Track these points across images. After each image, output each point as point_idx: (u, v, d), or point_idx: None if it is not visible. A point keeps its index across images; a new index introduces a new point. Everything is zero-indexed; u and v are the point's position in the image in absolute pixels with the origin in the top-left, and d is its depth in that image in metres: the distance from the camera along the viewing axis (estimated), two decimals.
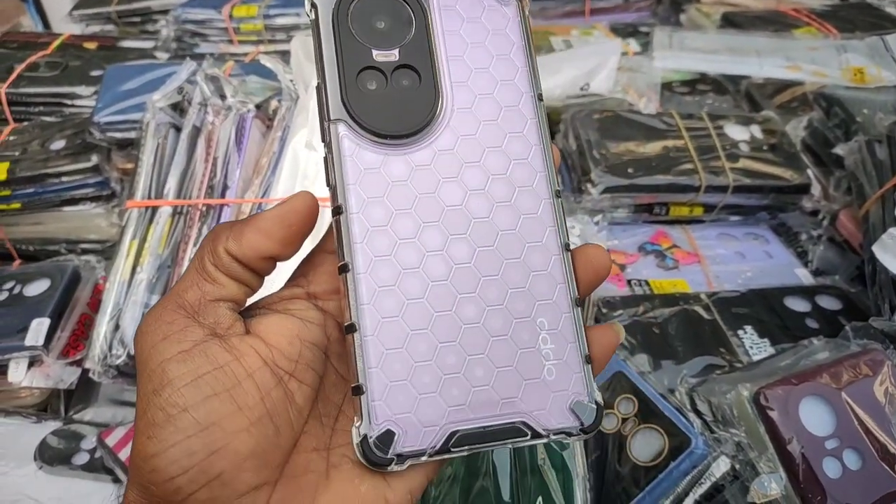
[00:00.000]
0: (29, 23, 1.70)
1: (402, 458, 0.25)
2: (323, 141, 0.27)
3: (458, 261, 0.27)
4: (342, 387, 0.29)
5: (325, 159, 0.27)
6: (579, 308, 0.28)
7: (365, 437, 0.25)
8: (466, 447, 0.26)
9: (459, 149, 0.28)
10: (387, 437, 0.25)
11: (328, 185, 0.27)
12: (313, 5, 0.28)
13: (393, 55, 0.28)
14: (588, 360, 0.28)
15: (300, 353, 0.28)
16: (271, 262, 0.29)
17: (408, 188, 0.27)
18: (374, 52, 0.28)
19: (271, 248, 0.28)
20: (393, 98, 0.28)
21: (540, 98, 0.30)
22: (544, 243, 0.28)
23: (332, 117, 0.27)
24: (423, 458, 0.26)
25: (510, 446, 0.27)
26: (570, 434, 0.27)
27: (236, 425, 0.25)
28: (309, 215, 0.28)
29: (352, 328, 0.26)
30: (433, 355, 0.26)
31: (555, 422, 0.27)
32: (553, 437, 0.27)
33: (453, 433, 0.26)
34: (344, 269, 0.26)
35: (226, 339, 0.27)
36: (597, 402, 0.27)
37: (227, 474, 0.25)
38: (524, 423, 0.27)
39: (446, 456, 0.26)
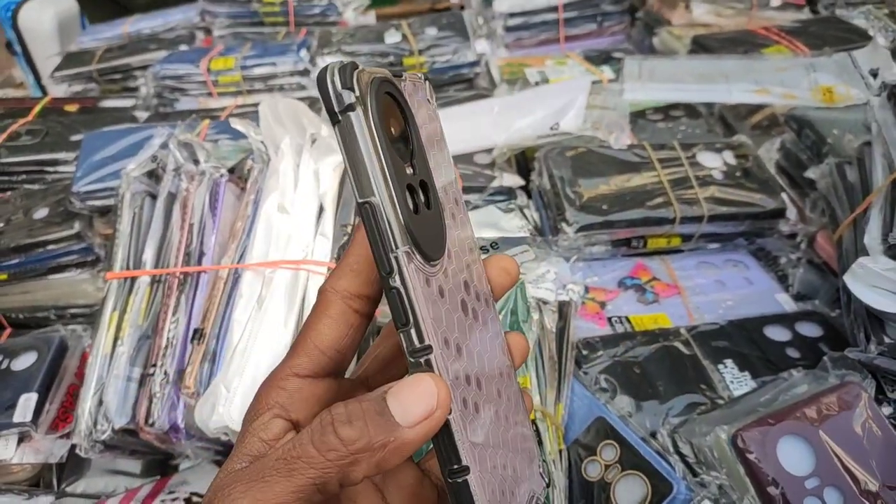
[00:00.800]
0: (19, 73, 1.73)
1: None
2: (385, 272, 0.24)
3: (484, 372, 0.28)
4: None
5: (395, 293, 0.24)
6: (522, 395, 0.32)
7: None
8: None
9: (455, 268, 0.27)
10: None
11: (402, 322, 0.24)
12: (349, 107, 0.23)
13: (410, 169, 0.25)
14: (539, 443, 0.34)
15: None
16: None
17: (449, 310, 0.26)
18: (406, 167, 0.25)
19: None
20: (426, 217, 0.26)
21: (461, 190, 0.30)
22: (501, 343, 0.30)
23: (398, 246, 0.24)
24: None
25: None
26: (540, 495, 0.31)
27: None
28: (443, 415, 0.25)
29: (464, 471, 0.25)
30: (500, 467, 0.28)
31: (538, 487, 0.31)
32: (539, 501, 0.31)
33: None
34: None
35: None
36: (544, 460, 0.35)
37: None
38: (534, 497, 0.31)
39: None
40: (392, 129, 0.25)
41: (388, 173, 0.23)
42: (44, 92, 1.50)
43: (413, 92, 0.27)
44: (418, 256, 0.24)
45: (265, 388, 0.29)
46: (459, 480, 0.25)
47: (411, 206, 0.25)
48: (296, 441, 0.25)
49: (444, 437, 0.25)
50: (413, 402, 0.24)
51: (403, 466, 0.30)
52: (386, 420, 0.24)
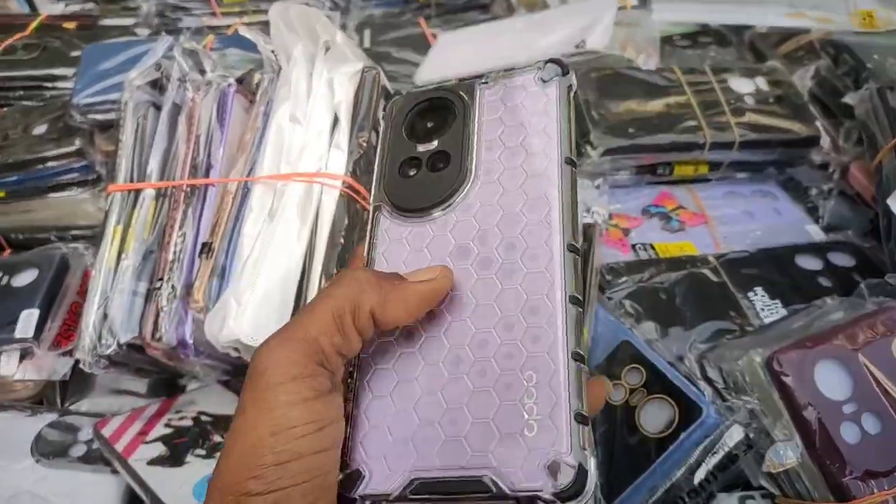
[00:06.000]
0: (14, 5, 1.66)
1: (364, 499, 0.27)
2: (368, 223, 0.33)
3: (456, 315, 0.29)
4: None
5: (366, 234, 0.33)
6: (579, 363, 0.27)
7: (339, 477, 0.27)
8: (426, 496, 0.26)
9: (476, 216, 0.31)
10: (353, 477, 0.27)
11: (366, 254, 0.32)
12: (383, 116, 0.35)
13: (433, 145, 0.33)
14: (580, 418, 0.26)
15: None
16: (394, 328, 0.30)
17: (423, 253, 0.31)
18: (418, 147, 0.34)
19: (408, 321, 0.29)
20: (425, 179, 0.33)
21: (568, 162, 0.32)
22: (546, 297, 0.28)
23: (373, 203, 0.33)
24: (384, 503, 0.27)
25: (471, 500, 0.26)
26: (538, 497, 0.25)
27: (330, 482, 0.27)
28: (447, 294, 0.30)
29: (351, 374, 0.29)
30: (413, 403, 0.28)
31: (524, 481, 0.25)
32: (520, 496, 0.25)
33: (413, 480, 0.26)
34: None
35: (338, 396, 0.28)
36: (579, 464, 0.25)
37: None
38: (489, 479, 0.25)
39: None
40: (427, 121, 0.34)
41: (383, 154, 0.34)
42: (33, 9, 1.43)
43: (491, 95, 0.34)
44: (393, 209, 0.33)
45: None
46: (350, 373, 0.30)
47: (409, 174, 0.33)
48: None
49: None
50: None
51: None
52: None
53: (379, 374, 0.29)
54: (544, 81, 0.33)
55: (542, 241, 0.30)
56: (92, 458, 0.58)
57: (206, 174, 0.60)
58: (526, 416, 0.26)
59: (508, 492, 0.25)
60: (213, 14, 1.07)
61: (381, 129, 0.35)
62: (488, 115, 0.33)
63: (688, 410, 0.48)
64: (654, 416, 0.49)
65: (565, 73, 0.33)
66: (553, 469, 0.25)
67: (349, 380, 0.29)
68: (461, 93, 0.34)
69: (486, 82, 0.34)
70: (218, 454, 0.54)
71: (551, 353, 0.27)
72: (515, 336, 0.28)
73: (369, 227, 0.33)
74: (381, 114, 0.35)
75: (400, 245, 0.32)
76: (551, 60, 0.34)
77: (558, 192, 0.30)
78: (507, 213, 0.31)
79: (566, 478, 0.24)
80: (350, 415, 0.28)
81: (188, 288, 0.55)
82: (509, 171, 0.32)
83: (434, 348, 0.29)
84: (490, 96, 0.34)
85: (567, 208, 0.30)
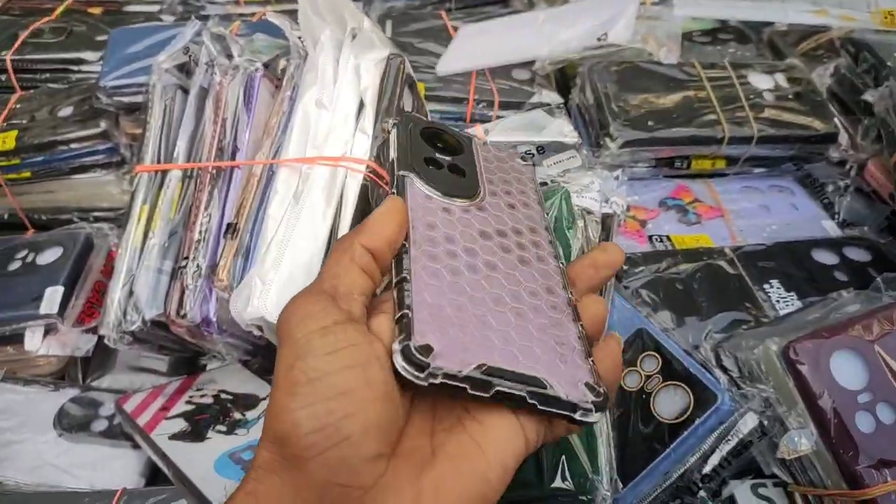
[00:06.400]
0: None
1: (436, 370, 0.29)
2: (394, 188, 0.38)
3: (489, 268, 0.35)
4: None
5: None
6: (581, 327, 0.35)
7: (407, 346, 0.29)
8: (496, 379, 0.30)
9: (491, 217, 0.38)
10: (426, 349, 0.29)
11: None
12: (394, 124, 0.41)
13: (448, 158, 0.41)
14: (593, 362, 0.33)
15: None
16: (390, 250, 0.34)
17: (452, 223, 0.36)
18: (436, 154, 0.41)
19: (390, 232, 0.33)
20: (447, 177, 0.39)
21: (546, 221, 0.42)
22: (555, 285, 0.37)
23: (401, 172, 0.37)
24: (457, 381, 0.29)
25: (528, 399, 0.30)
26: (578, 406, 0.31)
27: (366, 396, 0.29)
28: (405, 209, 0.35)
29: (403, 280, 0.32)
30: (468, 318, 0.32)
31: (569, 392, 0.31)
32: (567, 402, 0.31)
33: (483, 364, 0.30)
34: (401, 250, 0.34)
35: (357, 325, 0.31)
36: (604, 390, 0.32)
37: (356, 438, 0.28)
38: (545, 380, 0.31)
39: (475, 391, 0.30)
40: (437, 142, 0.42)
41: (406, 149, 0.39)
42: None
43: (484, 151, 0.44)
44: (421, 181, 0.37)
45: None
46: (395, 287, 0.32)
47: (431, 167, 0.39)
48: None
49: (398, 259, 0.34)
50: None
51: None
52: None
53: (430, 288, 0.32)
54: (524, 160, 0.46)
55: (543, 251, 0.38)
56: (113, 433, 0.59)
57: (232, 157, 0.60)
58: (559, 352, 0.33)
59: (561, 395, 0.30)
60: (237, 2, 1.08)
61: (394, 133, 0.41)
62: (485, 162, 0.43)
63: (703, 397, 0.48)
64: (669, 403, 0.50)
65: (535, 163, 0.46)
66: (589, 387, 0.32)
67: (404, 286, 0.32)
68: (464, 137, 0.43)
69: (481, 142, 0.45)
70: (238, 430, 0.56)
71: (566, 319, 0.35)
72: (540, 302, 0.35)
73: (397, 191, 0.37)
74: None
75: (431, 211, 0.36)
76: (527, 152, 0.48)
77: (547, 230, 0.41)
78: (512, 225, 0.39)
79: (599, 395, 0.32)
80: (406, 305, 0.31)
81: (213, 268, 0.56)
82: (508, 199, 0.41)
83: (475, 286, 0.34)
84: (484, 152, 0.43)
85: (555, 243, 0.40)
